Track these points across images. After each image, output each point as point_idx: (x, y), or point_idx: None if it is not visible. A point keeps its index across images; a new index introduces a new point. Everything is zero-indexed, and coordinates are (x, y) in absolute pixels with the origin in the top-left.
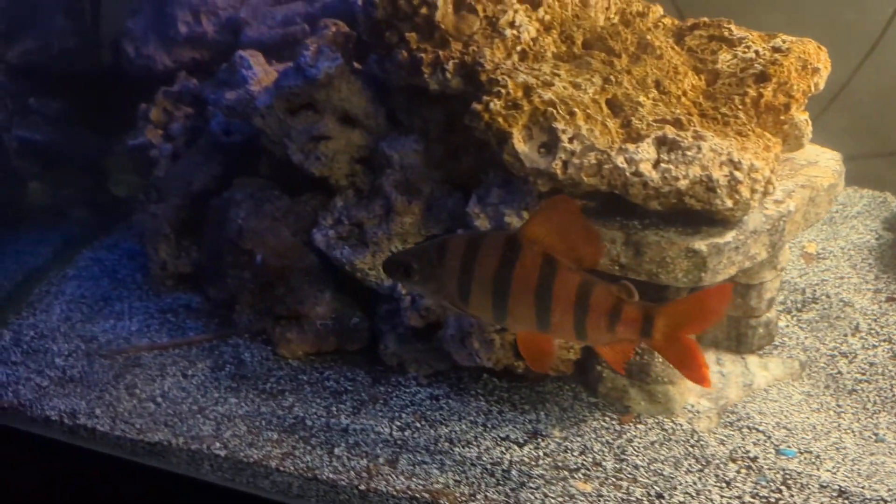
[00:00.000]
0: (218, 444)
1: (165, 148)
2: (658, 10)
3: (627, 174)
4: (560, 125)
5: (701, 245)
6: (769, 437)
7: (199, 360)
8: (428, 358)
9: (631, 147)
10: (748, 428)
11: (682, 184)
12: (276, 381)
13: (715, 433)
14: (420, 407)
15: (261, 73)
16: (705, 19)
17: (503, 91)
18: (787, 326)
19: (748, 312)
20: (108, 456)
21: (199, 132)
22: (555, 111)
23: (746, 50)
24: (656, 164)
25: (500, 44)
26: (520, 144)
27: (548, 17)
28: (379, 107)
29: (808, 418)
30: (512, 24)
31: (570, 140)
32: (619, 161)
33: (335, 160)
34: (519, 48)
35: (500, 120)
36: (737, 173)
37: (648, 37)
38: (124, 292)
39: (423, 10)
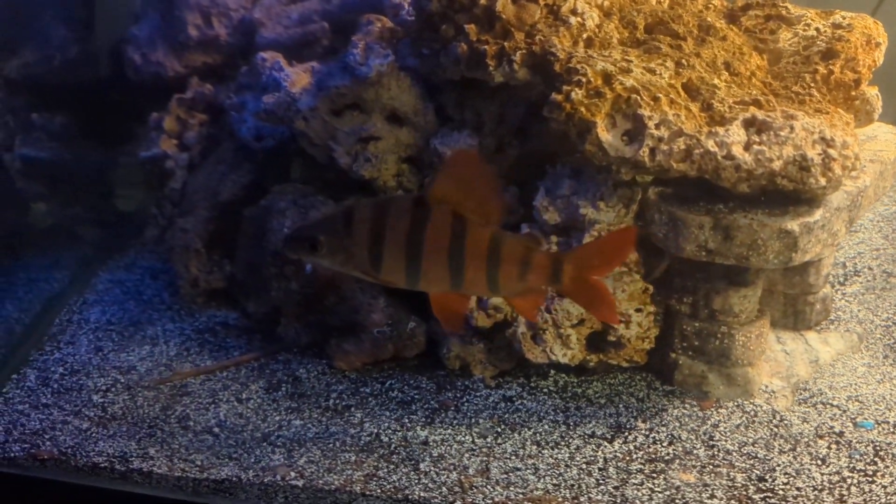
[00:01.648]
0: (293, 474)
1: (181, 158)
2: None
3: (719, 158)
4: (646, 111)
5: (793, 225)
6: (845, 411)
7: (251, 382)
8: (492, 358)
9: (720, 130)
10: (822, 403)
11: (776, 165)
12: (337, 396)
13: (794, 411)
14: (496, 411)
15: (293, 74)
16: None
17: (583, 80)
18: (836, 301)
19: (806, 289)
20: (169, 501)
21: (216, 140)
22: (638, 97)
23: (807, 28)
24: (748, 146)
25: (565, 32)
26: (603, 133)
27: (607, 3)
28: (427, 103)
29: (875, 389)
30: (574, 12)
31: (657, 126)
32: (710, 145)
33: (384, 161)
34: (585, 35)
35: (583, 109)
36: (830, 151)
37: (709, 18)
38: (154, 314)
39: (483, 1)
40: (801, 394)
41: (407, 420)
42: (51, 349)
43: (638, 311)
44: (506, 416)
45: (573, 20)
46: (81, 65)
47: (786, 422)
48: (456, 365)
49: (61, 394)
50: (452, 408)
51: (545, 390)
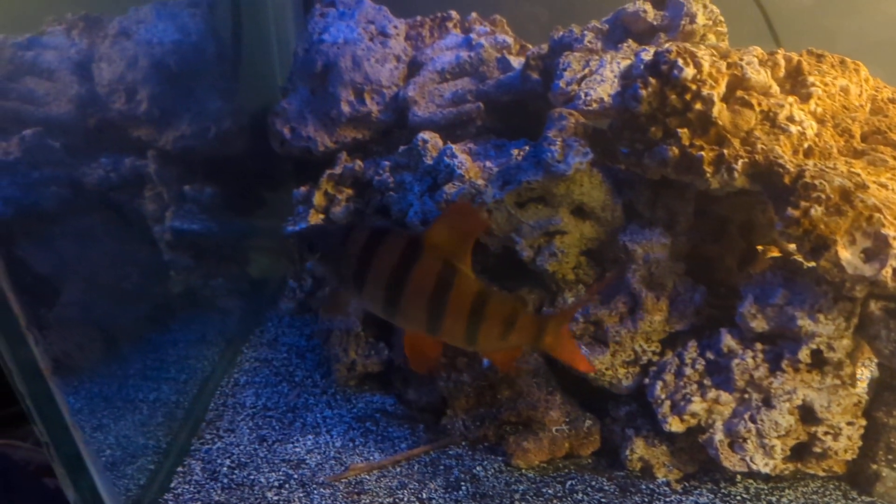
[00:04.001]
0: None
1: None
2: None
3: None
4: (889, 231)
5: None
6: None
7: (427, 479)
8: (675, 461)
9: None
10: None
11: None
12: (521, 497)
13: None
14: None
15: (467, 161)
16: None
17: (822, 196)
18: None
19: None
20: None
21: (362, 215)
22: (881, 216)
23: None
24: None
25: (785, 140)
26: (843, 251)
27: (819, 110)
28: (617, 198)
29: None
30: (792, 119)
31: None
32: None
33: (566, 254)
34: (805, 145)
35: (822, 226)
36: None
37: None
38: (310, 399)
39: (698, 106)
40: None
41: None
42: (211, 437)
43: (850, 424)
44: None
45: (793, 129)
46: (233, 137)
47: None
48: (637, 466)
49: (233, 489)
50: None
51: (738, 497)
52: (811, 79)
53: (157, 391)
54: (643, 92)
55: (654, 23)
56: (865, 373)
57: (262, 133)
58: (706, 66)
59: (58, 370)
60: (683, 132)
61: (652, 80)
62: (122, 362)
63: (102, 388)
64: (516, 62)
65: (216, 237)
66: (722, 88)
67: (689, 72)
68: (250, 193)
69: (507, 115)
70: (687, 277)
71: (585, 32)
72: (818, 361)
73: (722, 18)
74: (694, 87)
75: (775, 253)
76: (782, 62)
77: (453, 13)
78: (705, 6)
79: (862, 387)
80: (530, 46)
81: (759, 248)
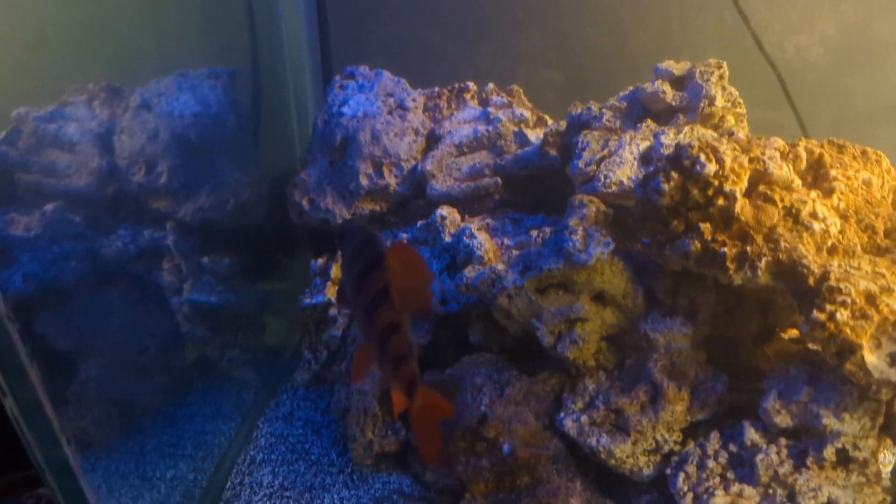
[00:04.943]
0: None
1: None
2: None
3: None
4: None
5: None
6: None
7: None
8: None
9: None
10: None
11: None
12: None
13: None
14: None
15: (485, 242)
16: None
17: (848, 300)
18: None
19: None
20: None
21: None
22: None
23: None
24: None
25: (808, 238)
26: (868, 355)
27: (842, 205)
28: (638, 286)
29: None
30: (815, 216)
31: None
32: None
33: (587, 341)
34: (829, 243)
35: (848, 330)
36: None
37: None
38: (327, 478)
39: (720, 201)
40: None
41: None
42: None
43: None
44: None
45: (816, 226)
46: (252, 208)
47: None
48: None
49: None
50: None
51: None
52: (833, 172)
53: (174, 468)
54: (665, 186)
55: (673, 103)
56: (889, 456)
57: (281, 203)
58: (728, 162)
59: (77, 447)
60: (706, 227)
61: (674, 175)
62: (139, 437)
63: (119, 464)
64: (533, 136)
65: (233, 308)
66: (744, 184)
67: (712, 167)
68: (268, 261)
69: (525, 189)
70: (709, 366)
71: (604, 111)
72: (843, 459)
73: (741, 100)
74: (716, 182)
75: (794, 333)
76: (804, 154)
77: (471, 84)
78: (724, 88)
79: (886, 480)
80: (548, 118)
81: (779, 331)
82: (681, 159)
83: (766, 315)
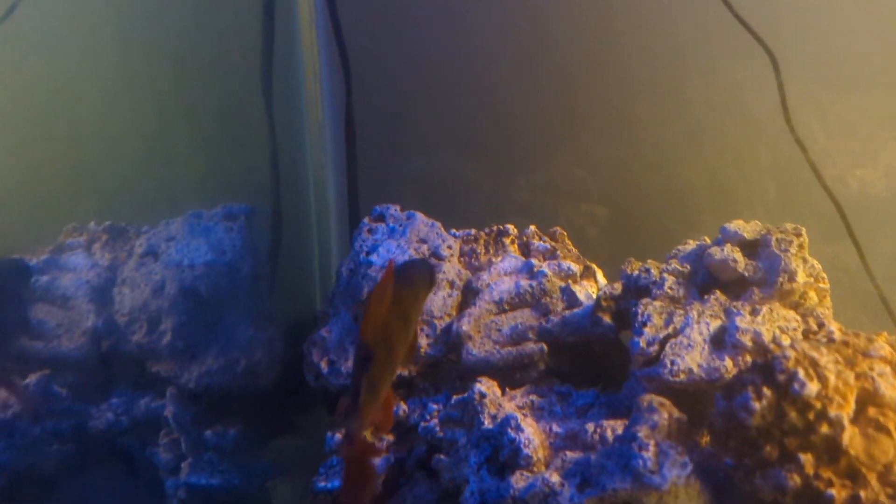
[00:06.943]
0: None
1: None
2: None
3: None
4: None
5: None
6: None
7: None
8: None
9: None
10: None
11: None
12: None
13: None
14: None
15: (533, 436)
16: None
17: None
18: None
19: None
20: None
21: (404, 465)
22: None
23: None
24: None
25: None
26: None
27: None
28: None
29: None
30: None
31: None
32: None
33: None
34: None
35: None
36: None
37: None
38: None
39: (824, 429)
40: None
41: None
42: None
43: None
44: None
45: None
46: (264, 370)
47: None
48: None
49: None
50: None
51: None
52: None
53: None
54: (756, 405)
55: (746, 274)
56: None
57: (297, 363)
58: (832, 380)
59: None
60: (807, 458)
61: (766, 392)
62: None
63: None
64: (582, 293)
65: (237, 491)
66: (851, 407)
67: (813, 388)
68: (278, 427)
69: (573, 356)
70: None
71: (665, 276)
72: None
73: (824, 275)
74: (819, 405)
75: None
76: None
77: (511, 228)
78: (804, 259)
79: None
80: (595, 267)
81: None
82: (773, 372)
83: None
